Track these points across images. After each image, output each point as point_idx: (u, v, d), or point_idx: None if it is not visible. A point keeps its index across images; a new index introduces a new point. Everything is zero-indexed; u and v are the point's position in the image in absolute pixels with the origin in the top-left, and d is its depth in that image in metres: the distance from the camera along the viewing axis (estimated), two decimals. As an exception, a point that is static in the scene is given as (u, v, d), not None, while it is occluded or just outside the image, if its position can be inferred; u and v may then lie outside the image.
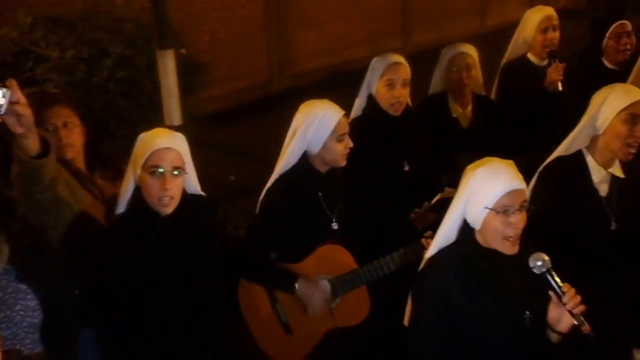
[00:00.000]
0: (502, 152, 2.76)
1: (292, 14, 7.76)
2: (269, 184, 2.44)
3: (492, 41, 3.54)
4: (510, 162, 1.82)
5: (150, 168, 2.02)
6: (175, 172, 2.04)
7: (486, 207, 1.75)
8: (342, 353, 2.37)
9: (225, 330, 2.24)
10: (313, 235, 2.36)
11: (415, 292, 1.88)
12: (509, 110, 3.16)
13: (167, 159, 2.03)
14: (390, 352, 2.09)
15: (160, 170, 2.02)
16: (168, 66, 2.95)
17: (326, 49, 7.91)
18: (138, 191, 2.09)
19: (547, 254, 1.75)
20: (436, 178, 2.68)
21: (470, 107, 3.02)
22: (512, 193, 1.74)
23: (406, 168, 2.68)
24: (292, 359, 2.37)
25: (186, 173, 2.10)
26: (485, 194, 1.75)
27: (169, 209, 2.06)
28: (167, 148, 2.04)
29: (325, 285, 2.32)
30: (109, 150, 3.23)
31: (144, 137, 2.10)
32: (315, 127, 2.31)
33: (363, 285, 2.33)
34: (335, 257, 2.33)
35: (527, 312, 1.80)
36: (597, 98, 2.27)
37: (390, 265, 2.31)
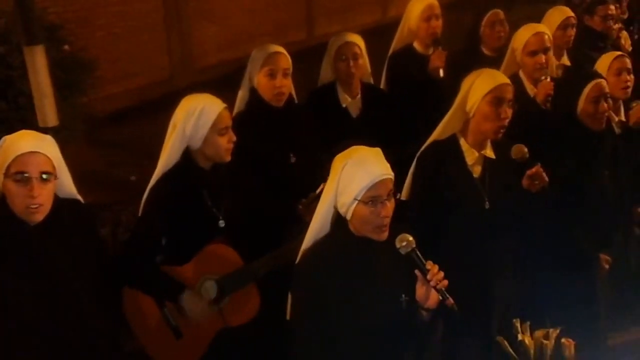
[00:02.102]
0: (390, 140, 2.86)
1: (192, 6, 7.54)
2: (151, 183, 2.34)
3: (393, 32, 3.61)
4: (378, 150, 1.84)
5: (15, 174, 1.87)
6: (44, 177, 1.90)
7: (355, 199, 1.76)
8: (234, 352, 2.32)
9: (111, 343, 2.14)
10: (199, 234, 2.28)
11: (292, 286, 1.87)
12: (397, 98, 3.23)
13: (33, 163, 1.89)
14: (279, 347, 2.07)
15: (26, 175, 1.87)
16: (38, 63, 2.74)
17: (230, 42, 7.77)
18: (2, 200, 1.93)
19: (418, 236, 1.80)
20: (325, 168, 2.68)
21: (359, 96, 3.05)
22: (378, 184, 1.77)
23: (293, 160, 2.66)
24: (184, 363, 2.30)
25: (56, 178, 1.96)
26: (353, 186, 1.77)
27: (37, 217, 1.92)
28: (33, 152, 1.89)
29: (212, 287, 2.26)
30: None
31: (6, 140, 1.94)
32: (194, 122, 2.23)
33: (252, 283, 2.29)
34: (221, 256, 2.27)
35: (404, 296, 1.85)
36: (465, 83, 2.37)
37: (279, 259, 2.28)
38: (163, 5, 7.32)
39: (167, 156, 2.30)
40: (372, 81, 3.21)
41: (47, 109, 2.78)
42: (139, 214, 2.35)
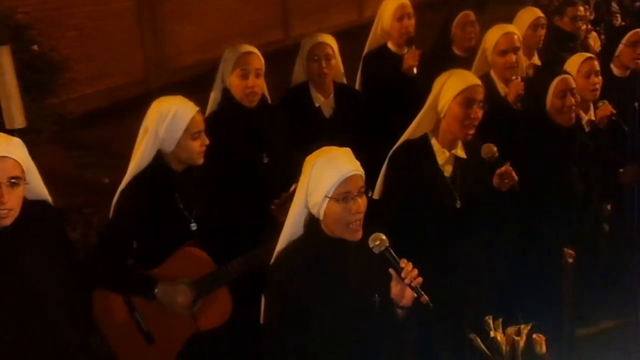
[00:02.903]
0: (363, 140, 2.87)
1: (167, 7, 7.47)
2: (122, 186, 2.31)
3: (370, 32, 3.63)
4: (347, 149, 1.84)
5: None
6: (13, 181, 1.86)
7: (326, 196, 1.76)
8: (206, 356, 2.30)
9: (80, 347, 2.10)
10: (171, 237, 2.26)
11: (266, 288, 1.86)
12: (371, 98, 3.25)
13: (2, 169, 1.84)
14: (252, 351, 2.06)
15: None
16: (3, 64, 2.68)
17: (205, 42, 7.72)
18: (-31, 205, 1.89)
19: (390, 236, 1.80)
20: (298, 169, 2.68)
21: (332, 96, 3.05)
22: (349, 180, 1.77)
23: (265, 160, 2.65)
24: (156, 368, 2.27)
25: (26, 183, 1.92)
26: (324, 183, 1.77)
27: (6, 221, 1.88)
28: (1, 157, 1.85)
29: (185, 287, 2.24)
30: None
31: None
32: (167, 125, 2.21)
33: (224, 286, 2.27)
34: (194, 259, 2.25)
35: (377, 295, 1.85)
36: (437, 84, 2.39)
37: (252, 261, 2.27)
38: (137, 5, 7.25)
39: (139, 159, 2.28)
40: (345, 81, 3.21)
41: (14, 111, 2.72)
42: (110, 216, 2.32)
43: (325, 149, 1.85)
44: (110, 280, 2.23)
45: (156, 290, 2.18)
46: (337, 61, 3.06)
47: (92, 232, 3.59)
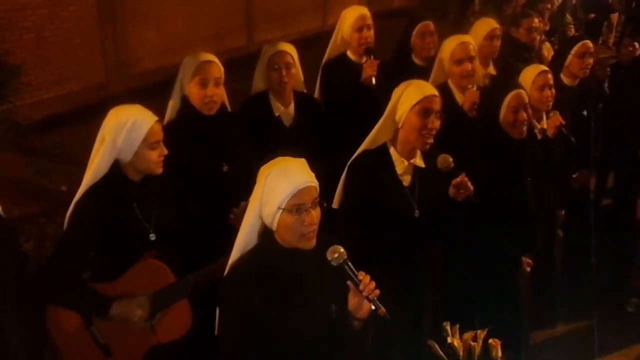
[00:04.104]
0: (323, 149, 2.88)
1: (128, 10, 7.33)
2: (77, 197, 2.26)
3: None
4: (302, 160, 1.84)
5: None
6: None
7: (279, 208, 1.76)
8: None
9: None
10: (130, 248, 2.23)
11: (220, 301, 1.84)
12: (330, 106, 3.26)
13: None
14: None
15: None
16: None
17: (167, 47, 7.60)
18: None
19: (349, 245, 1.81)
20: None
21: (292, 105, 3.06)
22: (302, 191, 1.76)
23: (225, 169, 2.63)
24: (115, 382, 2.22)
25: None
26: (277, 194, 1.76)
27: None
28: None
29: (143, 299, 2.21)
30: None
31: None
32: (125, 135, 2.18)
33: (184, 298, 2.25)
34: (153, 272, 2.22)
35: (333, 305, 1.85)
36: (395, 93, 2.42)
37: (212, 273, 2.24)
38: (97, 7, 7.09)
39: (95, 169, 2.23)
40: (304, 90, 3.22)
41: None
42: (64, 228, 2.26)
43: (279, 159, 1.84)
44: (64, 298, 2.18)
45: (111, 312, 2.15)
46: (297, 70, 3.05)
47: (46, 243, 3.49)
